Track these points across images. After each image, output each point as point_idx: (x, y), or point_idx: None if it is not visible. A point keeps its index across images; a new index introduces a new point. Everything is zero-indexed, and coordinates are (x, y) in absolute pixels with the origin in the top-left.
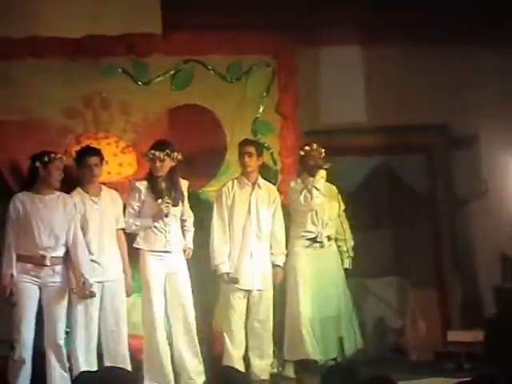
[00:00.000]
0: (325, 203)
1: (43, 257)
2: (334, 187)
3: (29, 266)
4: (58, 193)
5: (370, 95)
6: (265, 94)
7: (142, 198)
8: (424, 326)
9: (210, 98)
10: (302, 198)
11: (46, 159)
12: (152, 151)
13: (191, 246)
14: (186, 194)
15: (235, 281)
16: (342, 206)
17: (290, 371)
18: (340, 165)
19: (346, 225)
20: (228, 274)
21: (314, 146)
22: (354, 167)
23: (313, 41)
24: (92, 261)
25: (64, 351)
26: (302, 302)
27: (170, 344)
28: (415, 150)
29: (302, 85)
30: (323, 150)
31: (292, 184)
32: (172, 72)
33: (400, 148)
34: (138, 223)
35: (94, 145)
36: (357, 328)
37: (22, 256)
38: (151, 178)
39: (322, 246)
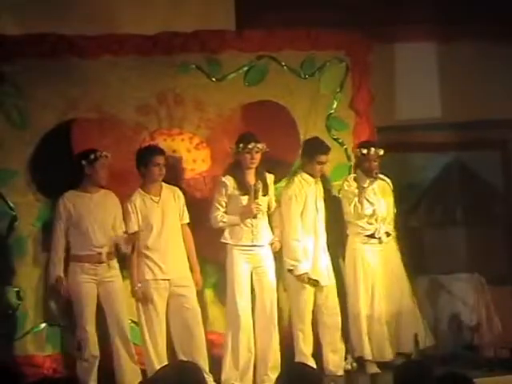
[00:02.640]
0: (381, 199)
1: (100, 254)
2: (388, 181)
3: (86, 265)
4: (103, 190)
5: (444, 91)
6: (338, 90)
7: (229, 193)
8: (499, 323)
9: (283, 94)
10: (352, 208)
11: (92, 157)
12: (253, 143)
13: (280, 240)
14: (272, 187)
15: (315, 283)
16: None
17: (373, 367)
18: (414, 161)
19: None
20: (307, 274)
21: (372, 150)
22: (428, 163)
23: (387, 37)
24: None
25: (132, 344)
26: (362, 298)
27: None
28: (490, 146)
29: (377, 81)
30: (381, 152)
31: (345, 187)
32: (245, 68)
33: (474, 144)
34: (225, 220)
35: (169, 141)
36: (425, 325)
37: (78, 256)
38: (238, 173)
39: (380, 242)
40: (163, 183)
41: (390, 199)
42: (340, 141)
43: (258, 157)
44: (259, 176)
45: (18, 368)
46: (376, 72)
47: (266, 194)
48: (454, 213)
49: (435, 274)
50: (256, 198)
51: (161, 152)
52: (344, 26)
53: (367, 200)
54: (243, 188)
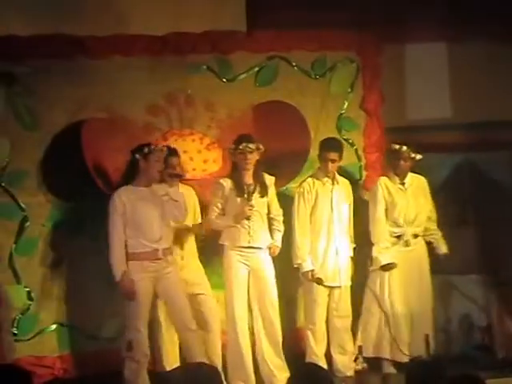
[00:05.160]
0: (410, 200)
1: (156, 250)
2: (423, 180)
3: (145, 262)
4: (158, 184)
5: (455, 91)
6: (349, 90)
7: (226, 194)
8: (511, 323)
9: (294, 94)
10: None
11: (146, 151)
12: (244, 144)
13: (279, 245)
14: (272, 189)
15: (319, 281)
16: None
17: (389, 367)
18: (424, 161)
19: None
20: (312, 271)
21: (404, 148)
22: (439, 164)
23: (398, 37)
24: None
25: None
26: (387, 299)
27: (253, 340)
28: (500, 146)
29: (387, 81)
30: (414, 155)
31: (380, 190)
32: (256, 69)
33: (485, 144)
34: (219, 221)
35: (180, 141)
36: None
37: (135, 254)
38: (235, 174)
39: (407, 245)
40: (179, 183)
41: (425, 199)
42: (350, 141)
43: (251, 157)
44: (256, 177)
45: (29, 368)
46: (387, 72)
47: (263, 195)
48: (465, 213)
49: (446, 274)
50: (249, 199)
51: (176, 153)
52: (355, 26)
53: (393, 200)
54: (239, 190)
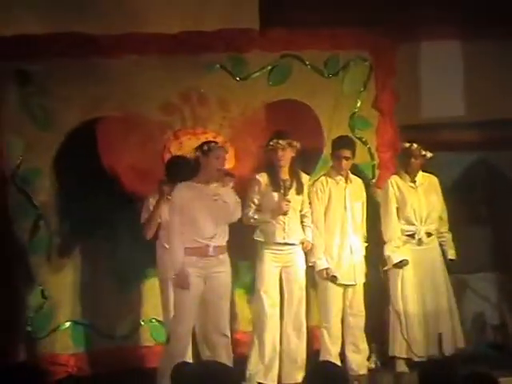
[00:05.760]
0: (422, 199)
1: (207, 246)
2: (435, 179)
3: (194, 258)
4: (219, 182)
5: (469, 90)
6: (362, 89)
7: (262, 190)
8: None
9: (307, 93)
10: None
11: (206, 148)
12: (275, 140)
13: (311, 240)
14: (306, 186)
15: (334, 280)
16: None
17: (402, 366)
18: (438, 160)
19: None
20: (327, 269)
21: (415, 145)
22: (453, 162)
23: (411, 36)
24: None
25: (229, 342)
26: (400, 298)
27: (280, 338)
28: None
29: (400, 80)
30: (424, 153)
31: (390, 188)
32: (269, 67)
33: (499, 143)
34: (256, 217)
35: (193, 140)
36: (458, 325)
37: (187, 248)
38: (271, 170)
39: (420, 243)
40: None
41: (435, 196)
42: (363, 140)
43: (282, 154)
44: (292, 174)
45: (43, 366)
46: (400, 71)
47: (299, 193)
48: (479, 211)
49: (459, 273)
50: (286, 194)
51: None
52: (368, 25)
53: (404, 198)
54: (275, 185)
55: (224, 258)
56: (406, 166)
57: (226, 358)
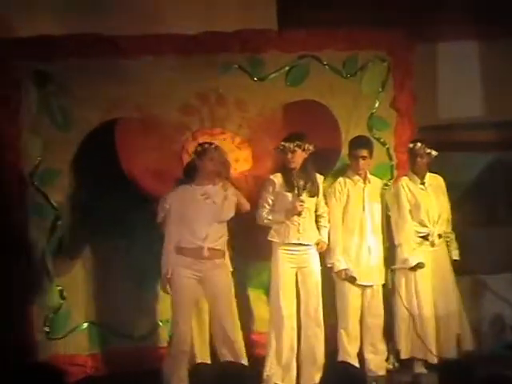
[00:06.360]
0: (433, 200)
1: (201, 248)
2: (441, 179)
3: (189, 259)
4: (216, 183)
5: (486, 90)
6: (380, 90)
7: (276, 190)
8: None
9: (325, 93)
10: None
11: (200, 150)
12: (282, 143)
13: (326, 241)
14: (321, 187)
15: (353, 280)
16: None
17: (420, 367)
18: (456, 160)
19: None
20: (346, 270)
21: (419, 144)
22: (471, 162)
23: (429, 36)
24: None
25: (235, 343)
26: (413, 299)
27: (298, 339)
28: None
29: (418, 80)
30: (429, 152)
31: (402, 191)
32: (287, 68)
33: None
34: (270, 217)
35: (211, 141)
36: (467, 327)
37: (182, 249)
38: (285, 171)
39: (433, 245)
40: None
41: (444, 198)
42: (382, 140)
43: (293, 156)
44: (306, 175)
45: (61, 367)
46: (418, 71)
47: (314, 194)
48: (497, 212)
49: (478, 273)
50: (300, 195)
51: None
52: (386, 25)
53: (417, 200)
54: (289, 186)
55: (221, 263)
56: (413, 165)
57: (233, 359)
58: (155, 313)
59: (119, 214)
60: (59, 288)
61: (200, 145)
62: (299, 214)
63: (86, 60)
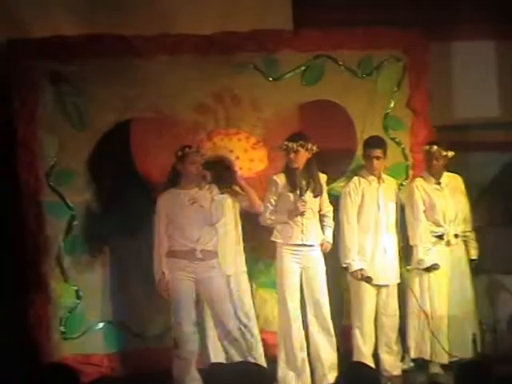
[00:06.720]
0: (449, 200)
1: (194, 250)
2: (459, 179)
3: (183, 261)
4: (201, 186)
5: (502, 89)
6: (396, 89)
7: (279, 191)
8: None
9: (340, 93)
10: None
11: (180, 154)
12: (285, 142)
13: (330, 241)
14: (324, 187)
15: (369, 280)
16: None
17: (435, 367)
18: (472, 160)
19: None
20: (361, 270)
21: (435, 147)
22: (487, 163)
23: (445, 35)
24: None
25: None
26: (427, 299)
27: (306, 339)
28: None
29: (434, 79)
30: (445, 154)
31: (416, 191)
32: (303, 68)
33: None
34: (273, 218)
35: (226, 140)
36: (483, 327)
37: (174, 252)
38: (288, 171)
39: (448, 245)
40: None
41: (461, 198)
42: (397, 140)
43: (294, 156)
44: (309, 175)
45: (76, 367)
46: (433, 71)
47: (318, 194)
48: None
49: (495, 273)
50: (302, 195)
51: None
52: (401, 24)
53: (431, 200)
54: (292, 186)
55: (214, 264)
56: (429, 168)
57: (238, 358)
58: (170, 313)
59: (134, 214)
60: (75, 288)
61: (180, 149)
62: (302, 215)
63: (102, 60)
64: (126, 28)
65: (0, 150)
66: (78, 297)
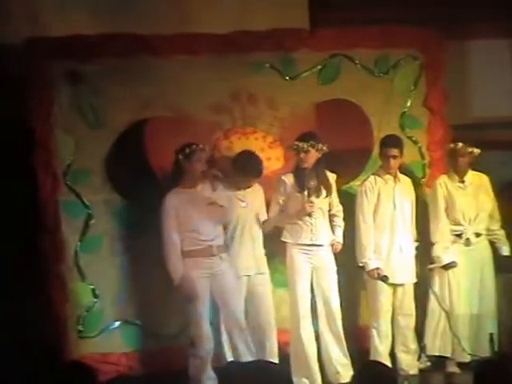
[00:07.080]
0: (470, 199)
1: (210, 247)
2: (485, 178)
3: (200, 259)
4: (204, 184)
5: None
6: (412, 88)
7: (288, 191)
8: None
9: (356, 92)
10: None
11: (187, 151)
12: (296, 142)
13: (341, 241)
14: (334, 186)
15: (385, 279)
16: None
17: (453, 366)
18: (490, 159)
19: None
20: (377, 269)
21: (460, 144)
22: (505, 161)
23: (462, 34)
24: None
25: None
26: (447, 298)
27: (317, 338)
28: None
29: (450, 78)
30: (471, 151)
31: (438, 188)
32: (319, 67)
33: None
34: (281, 217)
35: (243, 140)
36: (503, 326)
37: (190, 251)
38: (297, 171)
39: (468, 244)
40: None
41: (484, 196)
42: (414, 139)
43: (306, 156)
44: (318, 175)
45: (94, 365)
46: (450, 69)
47: (327, 194)
48: None
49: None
50: (310, 195)
51: None
52: (418, 23)
53: (452, 198)
54: (300, 186)
55: (225, 257)
56: (454, 165)
57: (248, 353)
58: (185, 312)
59: (150, 213)
60: (92, 287)
61: (187, 146)
62: (309, 215)
63: (119, 59)
64: (144, 27)
65: (17, 148)
66: (95, 296)
